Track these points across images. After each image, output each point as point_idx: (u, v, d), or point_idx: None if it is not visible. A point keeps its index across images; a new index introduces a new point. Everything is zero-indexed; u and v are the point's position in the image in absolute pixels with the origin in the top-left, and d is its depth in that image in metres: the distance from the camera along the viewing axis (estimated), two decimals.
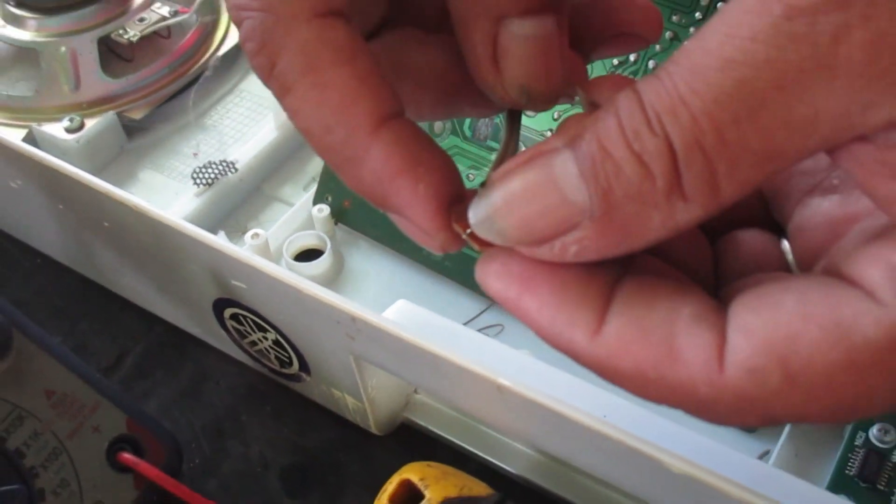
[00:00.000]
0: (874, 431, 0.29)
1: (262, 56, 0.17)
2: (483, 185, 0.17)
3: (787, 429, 0.30)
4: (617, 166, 0.15)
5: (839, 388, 0.15)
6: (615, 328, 0.16)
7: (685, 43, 0.15)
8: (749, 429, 0.31)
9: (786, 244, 0.19)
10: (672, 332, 0.16)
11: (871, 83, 0.13)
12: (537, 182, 0.16)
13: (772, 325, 0.15)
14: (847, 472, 0.29)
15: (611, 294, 0.16)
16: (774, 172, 0.15)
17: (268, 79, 0.17)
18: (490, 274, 0.17)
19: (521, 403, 0.24)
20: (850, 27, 0.13)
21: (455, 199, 0.17)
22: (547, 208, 0.16)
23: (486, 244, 0.17)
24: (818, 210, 0.18)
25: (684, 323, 0.16)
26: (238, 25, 0.17)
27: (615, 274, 0.17)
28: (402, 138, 0.17)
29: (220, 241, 0.28)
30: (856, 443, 0.29)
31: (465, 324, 0.34)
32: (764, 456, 0.31)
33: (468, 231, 0.17)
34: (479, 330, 0.33)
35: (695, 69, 0.14)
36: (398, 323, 0.26)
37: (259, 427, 0.33)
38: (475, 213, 0.16)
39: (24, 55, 0.42)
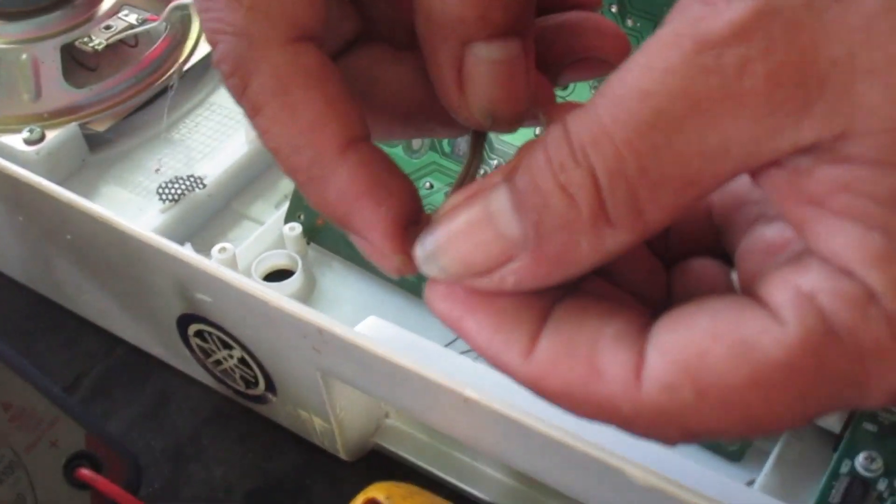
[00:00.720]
0: (860, 459, 0.32)
1: (235, 78, 0.20)
2: (434, 215, 0.20)
3: (772, 457, 0.34)
4: (545, 198, 0.18)
5: (746, 403, 0.18)
6: (545, 348, 0.19)
7: (610, 75, 0.18)
8: (734, 458, 0.34)
9: (734, 273, 0.22)
10: (595, 350, 0.19)
11: (774, 111, 0.17)
12: (475, 218, 0.19)
13: (684, 342, 0.18)
14: (830, 500, 0.32)
15: (547, 316, 0.19)
16: (696, 197, 0.18)
17: (240, 99, 0.20)
18: (436, 296, 0.20)
19: (488, 416, 0.28)
20: (752, 60, 0.16)
21: (413, 223, 0.20)
22: (483, 243, 0.19)
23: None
24: (760, 237, 0.21)
25: (607, 342, 0.19)
26: (213, 47, 0.21)
27: (555, 296, 0.20)
28: (366, 161, 0.20)
29: (185, 251, 0.32)
30: (841, 471, 0.32)
31: (445, 346, 0.37)
32: (749, 485, 0.34)
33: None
34: (461, 353, 0.37)
35: (616, 100, 0.17)
36: (364, 334, 0.29)
37: (222, 451, 0.36)
38: (421, 250, 0.19)
39: None
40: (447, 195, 0.20)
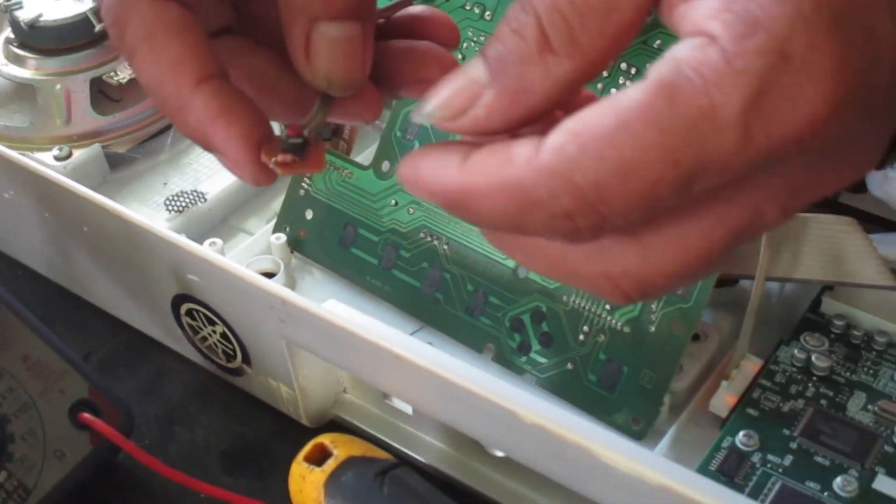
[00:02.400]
0: (740, 436, 0.39)
1: (115, 27, 0.27)
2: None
3: (668, 435, 0.40)
4: (502, 43, 0.23)
5: (617, 147, 0.21)
6: (474, 158, 0.24)
7: None
8: (637, 437, 0.41)
9: None
10: (511, 146, 0.23)
11: None
12: (454, 78, 0.24)
13: (574, 120, 0.22)
14: (710, 467, 0.38)
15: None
16: (620, 24, 0.22)
17: (119, 45, 0.27)
18: (404, 167, 0.25)
19: (414, 371, 0.34)
20: None
21: (264, 140, 0.26)
22: (459, 88, 0.24)
23: (287, 168, 0.26)
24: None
25: (522, 140, 0.23)
26: (100, 4, 0.27)
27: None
28: (219, 93, 0.26)
29: (179, 237, 0.39)
30: (723, 445, 0.39)
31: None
32: None
33: (274, 160, 0.26)
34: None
35: None
36: (317, 305, 0.36)
37: (205, 417, 0.43)
38: (416, 115, 0.25)
39: (23, 90, 0.54)
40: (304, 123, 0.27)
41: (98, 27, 0.53)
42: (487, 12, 0.44)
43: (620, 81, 0.41)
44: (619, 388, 0.40)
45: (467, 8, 0.44)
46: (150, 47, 0.26)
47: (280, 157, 0.26)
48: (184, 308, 0.42)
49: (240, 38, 0.30)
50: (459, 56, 0.44)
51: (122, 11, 0.26)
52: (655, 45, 0.40)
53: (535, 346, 0.42)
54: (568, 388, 0.41)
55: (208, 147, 0.27)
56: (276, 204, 0.51)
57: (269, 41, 0.29)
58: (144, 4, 0.26)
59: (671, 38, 0.39)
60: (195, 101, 0.26)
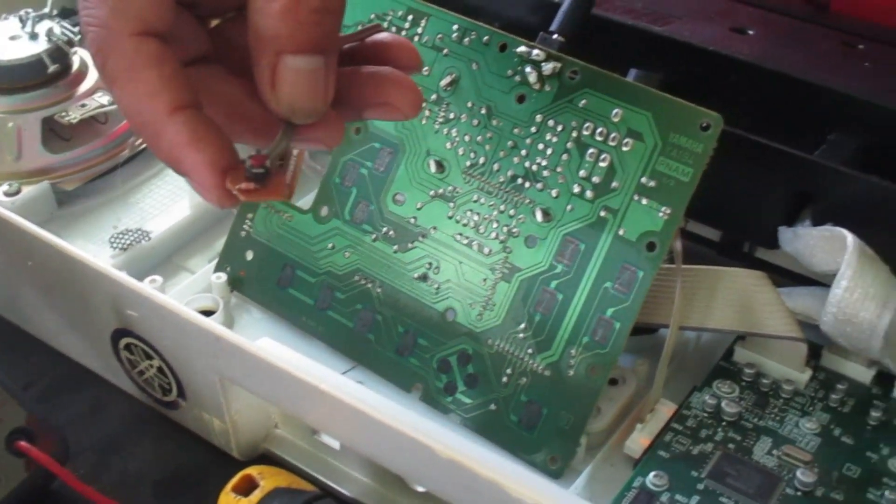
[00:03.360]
0: (650, 477, 0.41)
1: (98, 57, 0.29)
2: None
3: (583, 475, 0.42)
4: None
5: None
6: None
7: None
8: (555, 475, 0.42)
9: None
10: None
11: None
12: None
13: None
14: None
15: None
16: None
17: (102, 73, 0.29)
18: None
19: (339, 407, 0.36)
20: None
21: (231, 167, 0.29)
22: None
23: (249, 195, 0.29)
24: None
25: None
26: (85, 35, 0.29)
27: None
28: (191, 121, 0.29)
29: (119, 273, 0.41)
30: (633, 484, 0.41)
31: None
32: None
33: (237, 187, 0.29)
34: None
35: None
36: (250, 343, 0.38)
37: (140, 448, 0.45)
38: None
39: None
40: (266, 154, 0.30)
41: (52, 68, 0.55)
42: (425, 68, 0.46)
43: (547, 137, 0.43)
44: (538, 428, 0.42)
45: None
46: (129, 78, 0.29)
47: (243, 185, 0.29)
48: (122, 342, 0.44)
49: (215, 66, 0.33)
50: None
51: (105, 43, 0.29)
52: (581, 105, 0.43)
53: (461, 386, 0.44)
54: (491, 428, 0.43)
55: (179, 171, 0.29)
56: (219, 244, 0.53)
57: (243, 69, 0.32)
58: (125, 38, 0.29)
59: (596, 97, 0.42)
60: (168, 129, 0.28)
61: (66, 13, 0.61)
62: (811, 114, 0.48)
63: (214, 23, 0.34)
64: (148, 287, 0.40)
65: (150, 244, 0.52)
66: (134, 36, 0.29)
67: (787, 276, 0.48)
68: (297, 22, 0.29)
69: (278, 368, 0.37)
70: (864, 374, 0.45)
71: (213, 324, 0.38)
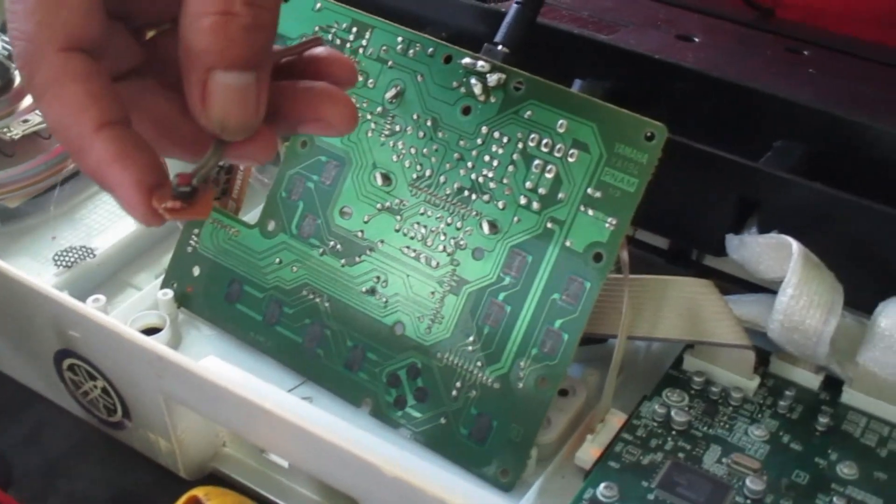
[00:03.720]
0: (601, 488, 0.41)
1: (25, 70, 0.29)
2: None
3: (534, 487, 0.42)
4: None
5: None
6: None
7: None
8: (505, 489, 0.42)
9: None
10: None
11: None
12: None
13: None
14: None
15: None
16: None
17: (29, 87, 0.29)
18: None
19: (283, 426, 0.36)
20: None
21: (157, 185, 0.29)
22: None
23: (175, 213, 0.28)
24: None
25: None
26: (13, 48, 0.29)
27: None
28: (117, 138, 0.28)
29: (60, 294, 0.40)
30: (584, 496, 0.41)
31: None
32: None
33: (163, 206, 0.28)
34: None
35: None
36: (193, 362, 0.37)
37: (86, 469, 0.44)
38: None
39: None
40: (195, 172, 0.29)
41: None
42: (370, 80, 0.46)
43: (493, 149, 0.43)
44: (489, 441, 0.42)
45: None
46: (56, 93, 0.28)
47: (169, 204, 0.28)
48: (66, 363, 0.43)
49: (147, 80, 0.32)
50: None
51: (32, 58, 0.28)
52: (526, 116, 0.43)
53: (411, 400, 0.44)
54: (442, 442, 0.43)
55: (105, 187, 0.29)
56: (166, 260, 0.52)
57: (177, 82, 0.31)
58: (52, 53, 0.28)
59: (541, 108, 0.42)
60: (95, 145, 0.28)
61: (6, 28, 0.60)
62: (757, 121, 0.48)
63: (151, 34, 0.34)
64: (90, 307, 0.40)
65: (94, 261, 0.51)
66: (61, 51, 0.28)
67: (736, 283, 0.48)
68: (228, 38, 0.28)
69: (222, 388, 0.37)
70: (811, 380, 0.45)
71: (157, 344, 0.38)
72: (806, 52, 0.55)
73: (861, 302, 0.44)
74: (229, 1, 0.28)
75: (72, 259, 0.50)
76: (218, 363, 0.41)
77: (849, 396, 0.44)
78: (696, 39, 0.54)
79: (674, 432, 0.43)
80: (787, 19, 0.61)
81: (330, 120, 0.32)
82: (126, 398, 0.42)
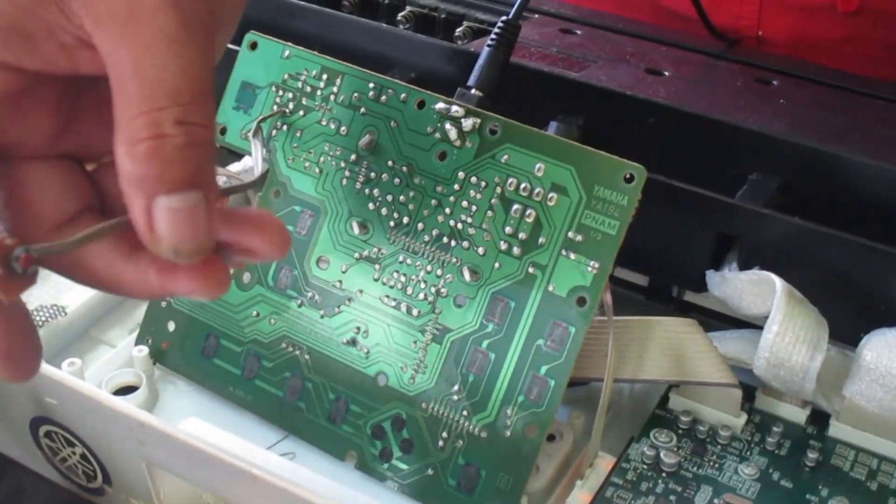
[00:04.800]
0: None
1: None
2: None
3: None
4: None
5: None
6: None
7: None
8: None
9: None
10: None
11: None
12: None
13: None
14: None
15: None
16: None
17: None
18: None
19: (271, 491, 0.35)
20: None
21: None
22: None
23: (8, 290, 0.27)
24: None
25: None
26: None
27: None
28: None
29: None
30: None
31: (266, 449, 0.45)
32: None
33: None
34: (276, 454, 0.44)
35: None
36: (175, 426, 0.36)
37: None
38: None
39: None
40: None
41: None
42: (343, 128, 0.46)
43: (471, 194, 0.43)
44: (477, 491, 0.42)
45: (323, 123, 0.46)
46: None
47: None
48: (42, 430, 0.42)
49: (96, 215, 0.32)
50: (317, 170, 0.46)
51: None
52: (503, 161, 0.42)
53: (397, 452, 0.43)
54: (429, 494, 0.42)
55: None
56: (138, 314, 0.52)
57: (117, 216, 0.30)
58: None
59: (518, 152, 0.42)
60: None
61: None
62: (732, 154, 0.48)
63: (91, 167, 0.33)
64: (66, 374, 0.39)
65: (66, 319, 0.50)
66: None
67: (717, 319, 0.48)
68: (165, 161, 0.27)
69: (208, 454, 0.36)
70: (798, 415, 0.45)
71: (138, 410, 0.37)
72: (775, 82, 0.55)
73: (844, 334, 0.44)
74: (159, 123, 0.27)
75: (43, 318, 0.49)
76: (199, 424, 0.40)
77: (836, 430, 0.44)
78: (667, 73, 0.54)
79: (664, 474, 0.42)
80: (752, 48, 0.61)
81: (260, 252, 0.31)
82: (106, 464, 0.41)
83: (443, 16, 0.61)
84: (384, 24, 0.57)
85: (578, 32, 0.59)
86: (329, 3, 0.61)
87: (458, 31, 0.60)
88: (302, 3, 0.57)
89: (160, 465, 0.39)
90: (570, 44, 0.56)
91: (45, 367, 0.39)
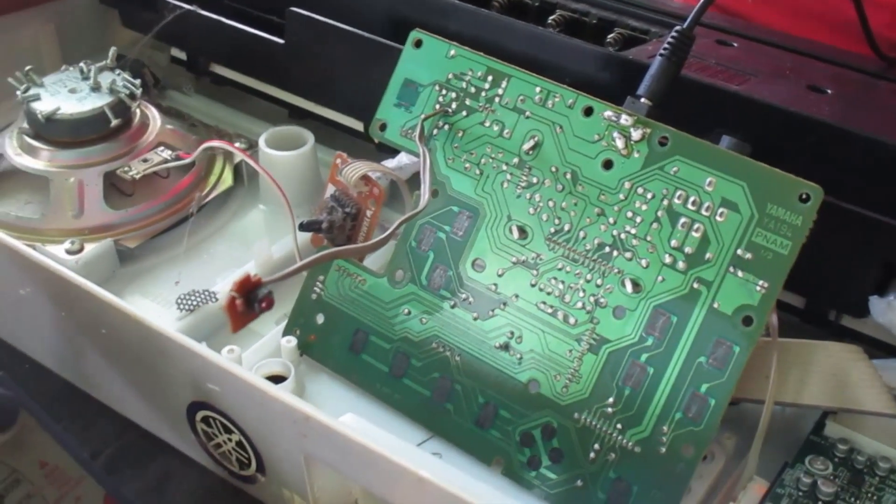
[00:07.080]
0: None
1: None
2: None
3: None
4: None
5: None
6: None
7: None
8: None
9: None
10: None
11: None
12: None
13: None
14: None
15: None
16: None
17: None
18: None
19: (440, 496, 0.35)
20: None
21: None
22: None
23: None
24: None
25: None
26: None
27: None
28: None
29: (203, 348, 0.39)
30: None
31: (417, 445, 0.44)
32: None
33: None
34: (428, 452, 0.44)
35: None
36: (344, 423, 0.36)
37: None
38: None
39: (36, 181, 0.54)
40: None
41: (114, 122, 0.53)
42: (506, 131, 0.45)
43: (636, 205, 0.42)
44: None
45: (486, 125, 0.45)
46: None
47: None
48: (200, 415, 0.42)
49: None
50: (477, 171, 0.45)
51: None
52: (672, 172, 0.41)
53: (545, 461, 0.42)
54: None
55: None
56: (287, 305, 0.51)
57: None
58: None
59: (688, 165, 0.41)
60: None
61: (128, 64, 0.60)
62: None
63: None
64: (232, 363, 0.39)
65: (216, 305, 0.50)
66: None
67: (878, 347, 0.47)
68: None
69: (372, 452, 0.35)
70: None
71: (303, 403, 0.37)
72: None
73: None
74: None
75: (194, 303, 0.50)
76: (358, 421, 0.40)
77: None
78: (829, 91, 0.52)
79: (820, 503, 0.41)
80: None
81: None
82: (262, 453, 0.41)
83: (594, 21, 0.60)
84: (541, 28, 0.57)
85: (735, 45, 0.57)
86: (478, 4, 0.61)
87: (609, 37, 0.59)
88: (457, 2, 0.57)
89: (320, 459, 0.39)
90: (727, 56, 0.55)
91: (210, 354, 0.39)
